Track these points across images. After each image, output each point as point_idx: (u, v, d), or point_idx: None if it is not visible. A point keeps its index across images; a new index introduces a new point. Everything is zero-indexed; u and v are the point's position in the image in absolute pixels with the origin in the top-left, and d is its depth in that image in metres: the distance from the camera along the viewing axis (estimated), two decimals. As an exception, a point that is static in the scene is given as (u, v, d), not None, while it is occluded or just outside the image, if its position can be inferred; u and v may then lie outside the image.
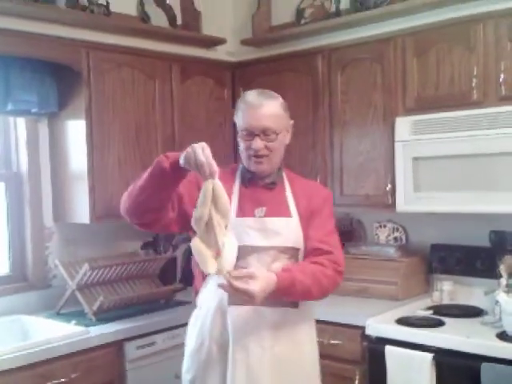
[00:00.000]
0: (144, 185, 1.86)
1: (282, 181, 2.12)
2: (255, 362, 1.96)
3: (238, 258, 1.92)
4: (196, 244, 1.82)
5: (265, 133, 1.98)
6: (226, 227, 1.81)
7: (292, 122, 2.11)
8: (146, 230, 2.04)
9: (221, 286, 1.85)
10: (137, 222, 1.95)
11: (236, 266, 1.92)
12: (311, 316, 2.13)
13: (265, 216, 2.02)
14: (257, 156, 2.01)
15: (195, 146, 1.75)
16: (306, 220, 2.06)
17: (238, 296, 1.86)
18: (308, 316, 2.10)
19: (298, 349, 2.03)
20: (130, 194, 1.91)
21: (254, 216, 2.02)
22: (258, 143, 1.98)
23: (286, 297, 1.97)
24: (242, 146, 2.05)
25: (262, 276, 1.86)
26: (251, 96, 2.03)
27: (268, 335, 1.98)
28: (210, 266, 1.79)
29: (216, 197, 1.77)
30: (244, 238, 1.98)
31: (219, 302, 1.99)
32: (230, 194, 2.01)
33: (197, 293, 2.12)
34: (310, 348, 2.10)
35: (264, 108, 1.99)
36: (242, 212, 2.03)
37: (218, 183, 1.77)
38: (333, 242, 2.09)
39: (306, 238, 2.05)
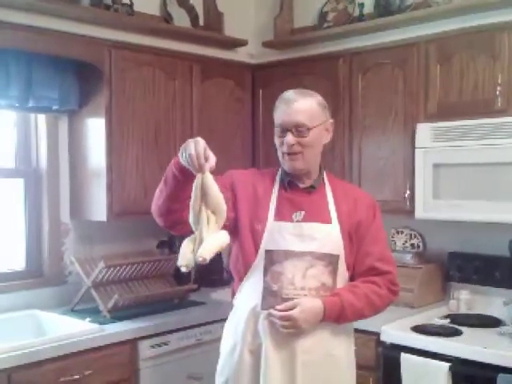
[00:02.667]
0: (162, 186, 1.88)
1: (322, 184, 2.07)
2: (288, 365, 1.92)
3: (274, 263, 1.93)
4: (184, 240, 1.75)
5: (297, 128, 1.95)
6: (218, 222, 1.72)
7: (332, 120, 2.07)
8: (177, 234, 2.02)
9: (271, 314, 1.89)
10: (163, 225, 1.96)
11: (272, 271, 1.93)
12: (349, 327, 2.07)
13: (303, 220, 1.98)
14: (290, 153, 1.97)
15: (189, 140, 1.73)
16: (350, 229, 2.00)
17: (288, 331, 1.89)
18: (345, 327, 2.03)
19: (331, 360, 1.97)
20: (155, 196, 1.93)
21: (291, 220, 1.98)
22: (290, 138, 1.95)
23: (338, 320, 1.94)
24: (277, 144, 2.02)
25: (301, 300, 1.88)
26: (288, 93, 2.02)
27: (300, 341, 1.92)
28: (182, 259, 1.70)
29: (205, 190, 1.70)
30: (280, 242, 1.95)
31: (254, 306, 1.96)
32: (268, 198, 2.01)
33: (234, 294, 2.10)
34: (346, 361, 2.04)
35: (297, 104, 1.96)
36: (280, 216, 1.99)
37: (208, 176, 1.70)
38: (390, 259, 2.06)
39: (362, 254, 2.01)
